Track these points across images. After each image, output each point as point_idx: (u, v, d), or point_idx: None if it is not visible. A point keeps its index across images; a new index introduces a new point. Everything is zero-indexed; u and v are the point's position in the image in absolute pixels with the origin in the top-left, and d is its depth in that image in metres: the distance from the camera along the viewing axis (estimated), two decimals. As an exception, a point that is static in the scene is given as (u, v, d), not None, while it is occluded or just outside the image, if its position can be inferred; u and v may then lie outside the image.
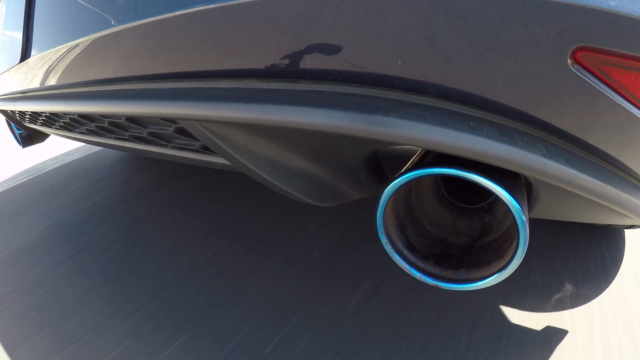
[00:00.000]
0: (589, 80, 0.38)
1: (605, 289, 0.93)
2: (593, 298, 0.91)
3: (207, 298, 0.98)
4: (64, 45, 0.72)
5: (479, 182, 0.45)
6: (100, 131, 0.95)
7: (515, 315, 0.87)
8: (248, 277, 1.04)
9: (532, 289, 0.94)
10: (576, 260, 1.02)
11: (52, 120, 1.09)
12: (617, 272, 0.98)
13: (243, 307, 0.94)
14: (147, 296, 1.00)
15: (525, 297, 0.91)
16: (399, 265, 0.58)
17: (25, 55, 0.88)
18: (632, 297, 0.90)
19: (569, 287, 0.93)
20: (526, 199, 0.51)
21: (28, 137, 1.47)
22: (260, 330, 0.87)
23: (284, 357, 0.80)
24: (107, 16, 0.61)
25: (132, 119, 0.77)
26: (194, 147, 0.74)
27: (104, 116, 0.82)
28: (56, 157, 2.09)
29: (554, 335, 0.82)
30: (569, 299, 0.91)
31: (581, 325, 0.84)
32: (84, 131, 1.02)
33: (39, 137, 1.51)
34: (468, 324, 0.86)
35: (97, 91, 0.69)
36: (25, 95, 0.95)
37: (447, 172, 0.47)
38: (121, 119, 0.79)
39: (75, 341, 0.89)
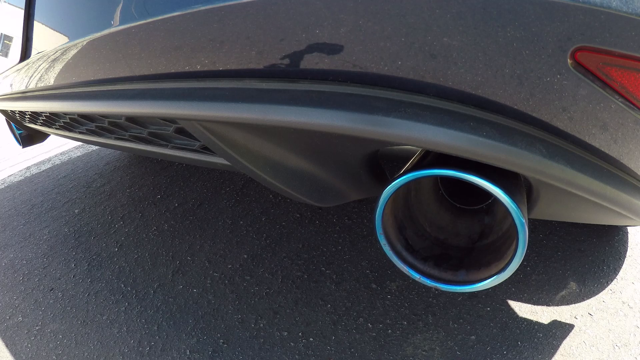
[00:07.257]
0: (588, 81, 0.38)
1: (609, 285, 0.93)
2: (596, 294, 0.91)
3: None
4: (64, 45, 0.72)
5: (478, 183, 0.45)
6: (100, 131, 0.95)
7: (520, 312, 0.87)
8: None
9: (537, 286, 0.94)
10: (579, 258, 1.03)
11: (52, 120, 1.09)
12: (621, 268, 0.98)
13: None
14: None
15: (531, 295, 0.92)
16: (398, 266, 0.58)
17: (25, 55, 0.88)
18: (636, 292, 0.90)
19: (573, 285, 0.94)
20: (526, 200, 0.51)
21: (28, 137, 1.47)
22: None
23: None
24: (107, 16, 0.61)
25: (132, 119, 0.77)
26: (194, 147, 0.74)
27: (104, 116, 0.82)
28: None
29: (561, 331, 0.82)
30: (574, 296, 0.91)
31: (588, 321, 0.84)
32: (84, 131, 1.02)
33: (39, 137, 1.51)
34: (472, 321, 0.86)
35: (97, 91, 0.69)
36: (25, 95, 0.95)
37: (445, 174, 0.46)
38: (121, 119, 0.79)
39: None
